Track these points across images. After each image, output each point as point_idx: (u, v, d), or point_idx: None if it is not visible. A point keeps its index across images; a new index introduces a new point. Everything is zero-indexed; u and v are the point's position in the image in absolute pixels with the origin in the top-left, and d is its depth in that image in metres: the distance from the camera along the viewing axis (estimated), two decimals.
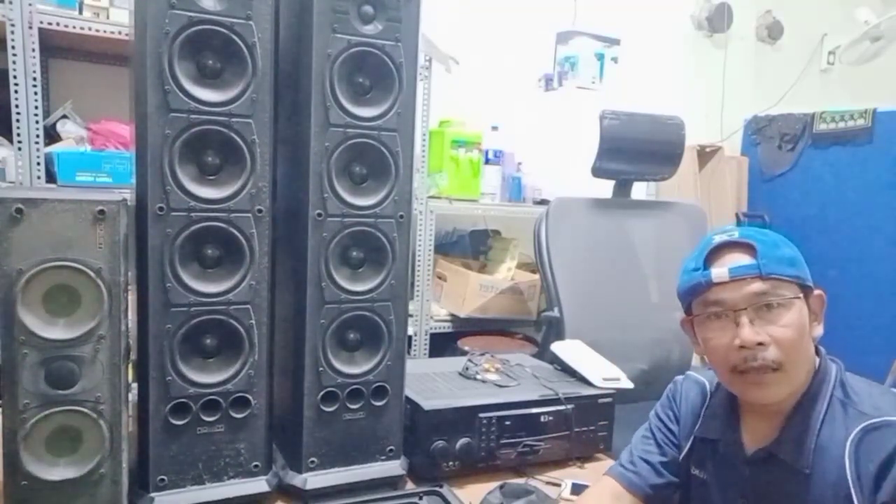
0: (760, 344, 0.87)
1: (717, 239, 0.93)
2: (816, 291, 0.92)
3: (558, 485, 1.20)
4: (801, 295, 0.89)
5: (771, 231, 0.95)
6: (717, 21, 3.34)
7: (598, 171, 2.04)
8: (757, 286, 0.88)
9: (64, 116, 2.00)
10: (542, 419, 1.26)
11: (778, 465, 0.91)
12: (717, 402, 1.02)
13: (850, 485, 0.84)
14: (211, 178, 0.97)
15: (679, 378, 1.12)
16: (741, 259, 0.90)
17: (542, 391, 1.30)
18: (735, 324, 0.89)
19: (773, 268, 0.88)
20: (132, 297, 0.96)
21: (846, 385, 0.91)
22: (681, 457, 1.05)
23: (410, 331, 2.34)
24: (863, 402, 0.88)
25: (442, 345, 2.49)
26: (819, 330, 0.92)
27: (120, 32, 1.85)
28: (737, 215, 3.31)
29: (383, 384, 1.12)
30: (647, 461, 1.06)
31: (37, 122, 1.76)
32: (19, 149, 1.76)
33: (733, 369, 0.90)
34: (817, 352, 0.94)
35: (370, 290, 1.09)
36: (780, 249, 0.91)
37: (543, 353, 1.81)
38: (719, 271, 0.90)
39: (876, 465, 0.82)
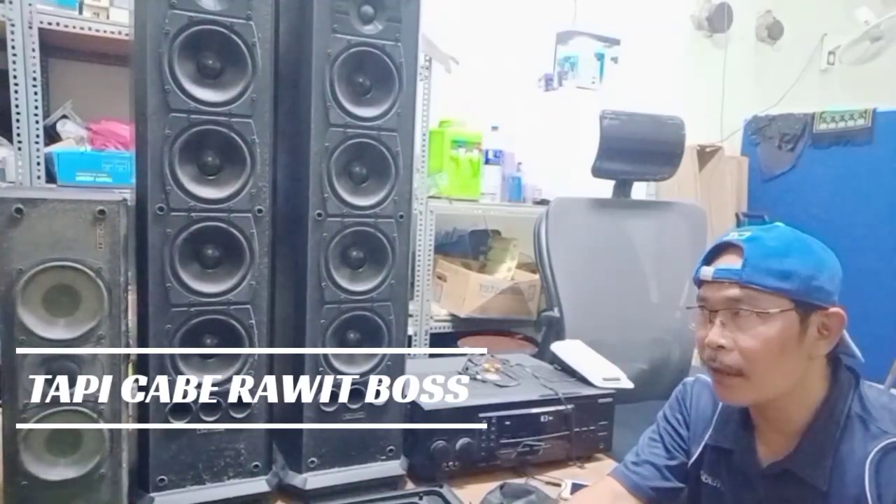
0: (721, 347, 0.89)
1: (724, 238, 0.93)
2: (833, 310, 0.87)
3: (558, 485, 1.20)
4: (791, 309, 0.85)
5: (796, 236, 0.90)
6: (717, 21, 3.35)
7: (598, 171, 2.04)
8: (733, 292, 0.88)
9: (64, 116, 2.00)
10: (542, 419, 1.26)
11: (794, 480, 0.89)
12: (729, 410, 1.01)
13: None
14: (211, 178, 0.97)
15: (689, 380, 1.10)
16: (731, 262, 0.89)
17: (542, 391, 1.30)
18: (710, 322, 0.91)
19: (755, 277, 0.86)
20: (132, 297, 0.96)
21: (864, 399, 0.89)
22: (690, 462, 1.04)
23: (410, 331, 2.35)
24: (882, 419, 0.86)
25: (442, 345, 2.49)
26: (822, 348, 0.88)
27: (120, 32, 1.84)
28: (737, 215, 3.31)
29: None
30: (652, 464, 1.05)
31: (37, 122, 1.76)
32: (19, 149, 1.76)
33: (706, 364, 0.93)
34: (835, 364, 0.92)
35: (370, 290, 1.09)
36: (776, 260, 0.86)
37: (543, 353, 1.81)
38: (706, 270, 0.92)
39: None
